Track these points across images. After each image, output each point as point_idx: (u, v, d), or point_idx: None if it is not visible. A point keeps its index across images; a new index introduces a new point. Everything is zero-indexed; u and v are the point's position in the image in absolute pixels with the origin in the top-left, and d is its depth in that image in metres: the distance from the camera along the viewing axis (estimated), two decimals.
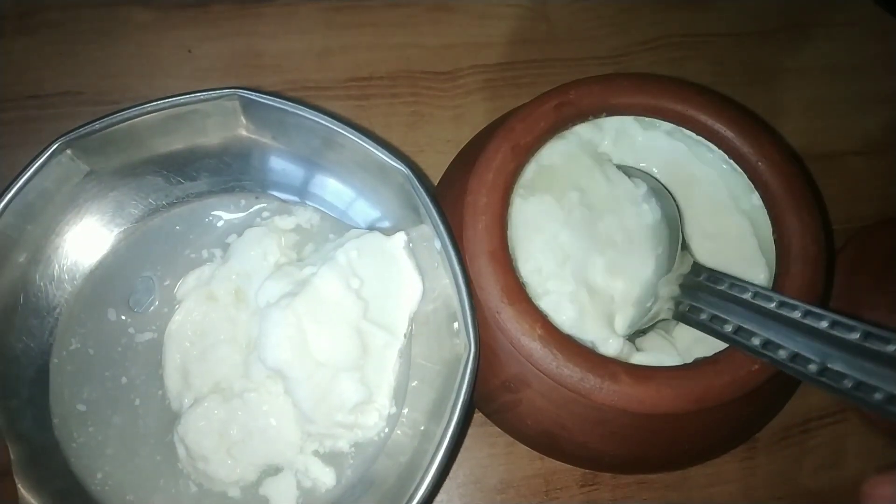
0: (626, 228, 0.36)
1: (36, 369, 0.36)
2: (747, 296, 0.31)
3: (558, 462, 0.38)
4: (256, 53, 0.49)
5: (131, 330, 0.38)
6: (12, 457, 0.33)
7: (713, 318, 0.32)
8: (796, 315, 0.29)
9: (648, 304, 0.35)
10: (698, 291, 0.34)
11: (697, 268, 0.35)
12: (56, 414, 0.36)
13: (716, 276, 0.33)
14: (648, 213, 0.36)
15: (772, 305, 0.30)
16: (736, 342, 0.31)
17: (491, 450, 0.41)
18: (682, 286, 0.35)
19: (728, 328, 0.31)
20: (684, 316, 0.34)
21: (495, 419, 0.37)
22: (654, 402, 0.30)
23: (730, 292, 0.32)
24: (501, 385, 0.33)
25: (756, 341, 0.30)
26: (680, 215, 0.37)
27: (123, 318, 0.38)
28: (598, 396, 0.30)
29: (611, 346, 0.34)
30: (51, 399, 0.36)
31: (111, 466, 0.35)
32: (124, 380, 0.37)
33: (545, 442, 0.35)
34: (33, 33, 0.47)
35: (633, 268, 0.35)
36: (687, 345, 0.36)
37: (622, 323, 0.35)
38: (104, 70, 0.47)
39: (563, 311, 0.34)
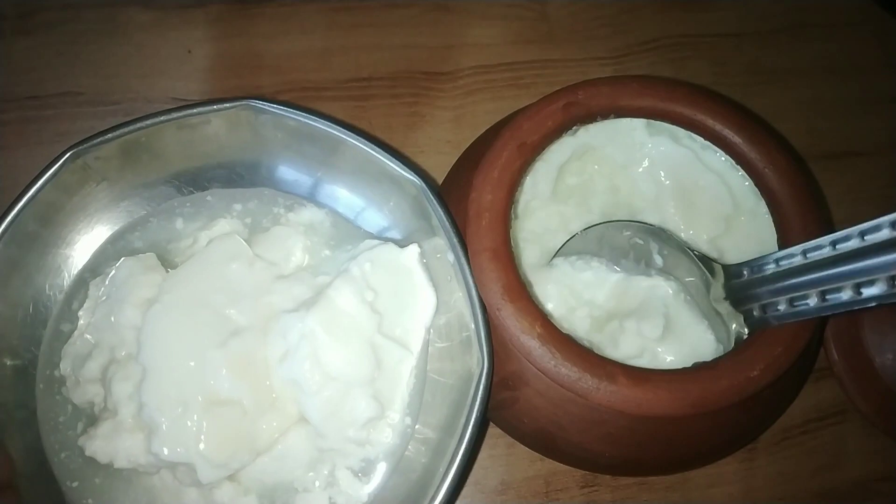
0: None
1: (45, 379, 0.35)
2: (797, 260, 0.30)
3: (558, 463, 0.38)
4: (256, 54, 0.49)
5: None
6: (16, 469, 0.32)
7: (792, 300, 0.31)
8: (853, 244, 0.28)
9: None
10: (751, 290, 0.33)
11: (732, 269, 0.34)
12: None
13: (754, 263, 0.33)
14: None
15: (826, 252, 0.29)
16: (832, 307, 0.29)
17: (491, 451, 0.41)
18: (729, 297, 0.34)
19: (812, 301, 0.30)
20: (763, 320, 0.32)
21: (493, 416, 0.37)
22: (650, 405, 0.30)
23: (781, 269, 0.31)
24: (500, 382, 0.33)
25: (848, 293, 0.28)
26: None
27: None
28: (595, 397, 0.30)
29: None
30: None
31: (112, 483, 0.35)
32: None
33: (542, 441, 0.35)
34: (33, 33, 0.47)
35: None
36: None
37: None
38: (104, 70, 0.47)
39: None
